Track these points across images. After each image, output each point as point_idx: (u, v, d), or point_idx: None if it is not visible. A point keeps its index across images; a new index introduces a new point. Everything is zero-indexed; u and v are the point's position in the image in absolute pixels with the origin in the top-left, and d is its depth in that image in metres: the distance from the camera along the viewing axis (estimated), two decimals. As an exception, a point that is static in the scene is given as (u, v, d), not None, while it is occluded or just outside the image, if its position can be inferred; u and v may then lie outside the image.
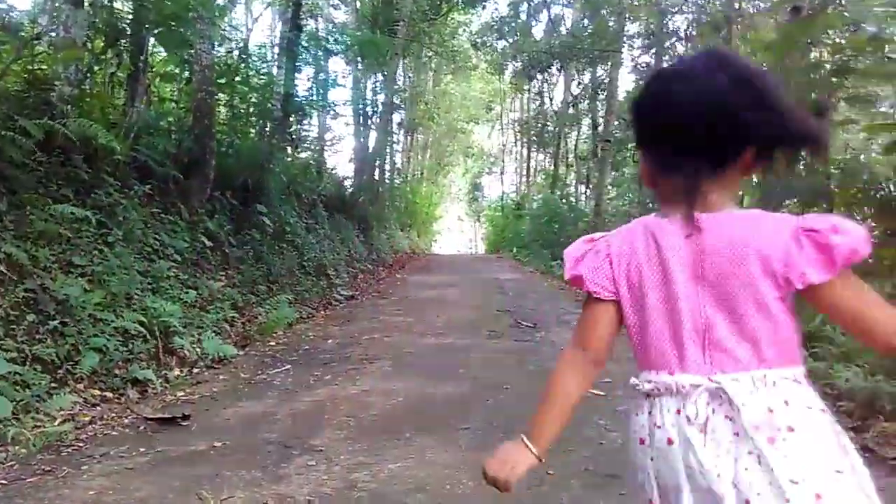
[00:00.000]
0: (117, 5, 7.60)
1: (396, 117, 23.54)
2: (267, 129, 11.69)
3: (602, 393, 4.72)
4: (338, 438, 3.83)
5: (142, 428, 4.01)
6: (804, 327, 5.91)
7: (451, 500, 3.00)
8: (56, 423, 3.93)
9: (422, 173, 33.38)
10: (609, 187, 18.52)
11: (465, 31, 26.58)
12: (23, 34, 6.35)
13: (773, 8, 14.19)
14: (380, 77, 19.78)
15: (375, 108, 19.98)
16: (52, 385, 4.29)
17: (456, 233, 45.46)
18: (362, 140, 19.03)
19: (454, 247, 40.94)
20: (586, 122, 24.17)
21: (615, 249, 1.24)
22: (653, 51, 17.23)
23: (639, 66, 17.68)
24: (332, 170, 17.79)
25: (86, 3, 6.76)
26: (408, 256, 20.33)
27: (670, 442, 1.13)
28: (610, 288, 1.24)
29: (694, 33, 16.80)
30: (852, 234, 1.08)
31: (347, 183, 17.60)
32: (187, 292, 6.51)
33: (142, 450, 3.60)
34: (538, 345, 6.71)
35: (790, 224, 1.11)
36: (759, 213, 1.16)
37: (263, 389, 4.99)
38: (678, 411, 1.13)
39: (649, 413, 1.18)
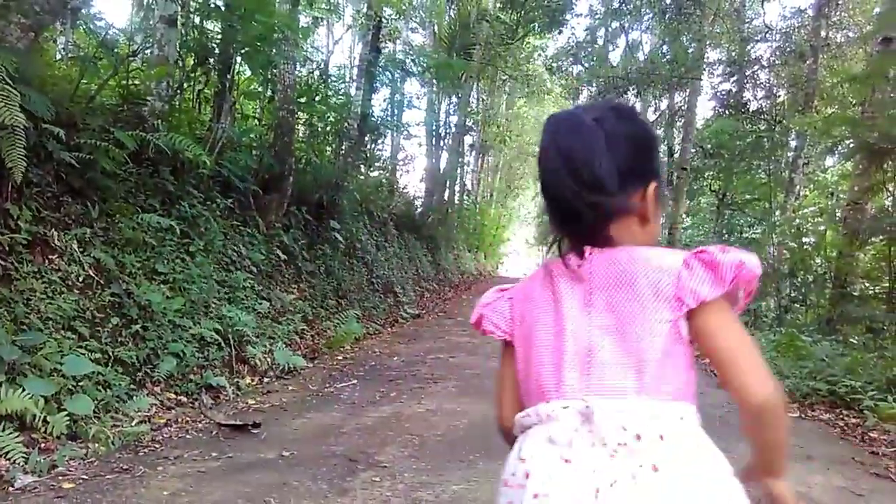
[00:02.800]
0: (208, 26, 7.93)
1: (468, 139, 23.75)
2: (343, 147, 11.95)
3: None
4: (402, 456, 3.84)
5: (214, 433, 4.12)
6: (891, 370, 5.65)
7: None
8: (134, 424, 4.08)
9: (491, 195, 33.43)
10: (684, 216, 18.12)
11: (540, 55, 26.58)
12: (118, 51, 6.70)
13: (863, 38, 13.72)
14: (454, 99, 20.00)
15: (448, 130, 20.19)
16: (132, 387, 4.47)
17: (523, 257, 45.28)
18: (434, 161, 19.25)
19: (521, 271, 40.75)
20: (662, 149, 23.76)
21: (517, 293, 1.21)
22: (734, 78, 16.86)
23: (719, 94, 17.30)
24: (403, 189, 18.05)
25: (179, 23, 7.10)
26: (474, 278, 20.33)
27: (527, 475, 1.01)
28: (504, 327, 1.20)
29: (777, 62, 16.40)
30: (739, 253, 1.03)
31: (418, 203, 17.82)
32: (261, 303, 6.68)
33: (214, 454, 3.70)
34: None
35: (681, 253, 1.07)
36: (654, 248, 1.11)
37: (331, 402, 5.06)
38: (549, 439, 1.02)
39: (519, 449, 1.07)
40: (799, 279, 11.53)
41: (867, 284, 9.73)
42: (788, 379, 5.92)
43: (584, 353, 1.05)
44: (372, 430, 4.34)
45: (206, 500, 3.05)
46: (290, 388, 5.51)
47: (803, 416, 5.40)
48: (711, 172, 16.92)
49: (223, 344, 5.55)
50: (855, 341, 7.42)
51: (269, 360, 5.97)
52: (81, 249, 4.82)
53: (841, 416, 5.29)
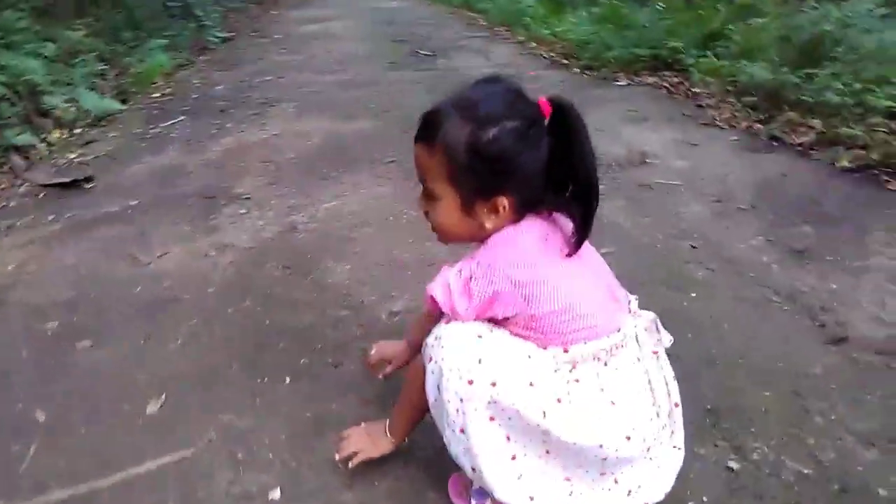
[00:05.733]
0: None
1: None
2: None
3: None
4: (262, 185, 3.65)
5: (42, 195, 3.65)
6: (706, 27, 5.94)
7: (398, 230, 2.97)
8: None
9: None
10: None
11: None
12: None
13: None
14: None
15: None
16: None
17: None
18: None
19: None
20: None
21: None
22: None
23: None
24: None
25: None
26: (278, -9, 18.58)
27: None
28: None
29: None
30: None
31: None
32: (45, 45, 5.69)
33: (51, 218, 3.30)
34: (443, 72, 6.47)
35: None
36: None
37: (162, 144, 4.61)
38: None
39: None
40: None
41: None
42: (613, 50, 6.09)
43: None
44: (220, 165, 4.05)
45: (61, 264, 2.77)
46: (111, 135, 4.93)
47: (630, 82, 5.68)
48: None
49: (14, 99, 4.76)
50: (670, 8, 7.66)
51: (74, 109, 5.25)
52: None
53: (665, 78, 5.61)
